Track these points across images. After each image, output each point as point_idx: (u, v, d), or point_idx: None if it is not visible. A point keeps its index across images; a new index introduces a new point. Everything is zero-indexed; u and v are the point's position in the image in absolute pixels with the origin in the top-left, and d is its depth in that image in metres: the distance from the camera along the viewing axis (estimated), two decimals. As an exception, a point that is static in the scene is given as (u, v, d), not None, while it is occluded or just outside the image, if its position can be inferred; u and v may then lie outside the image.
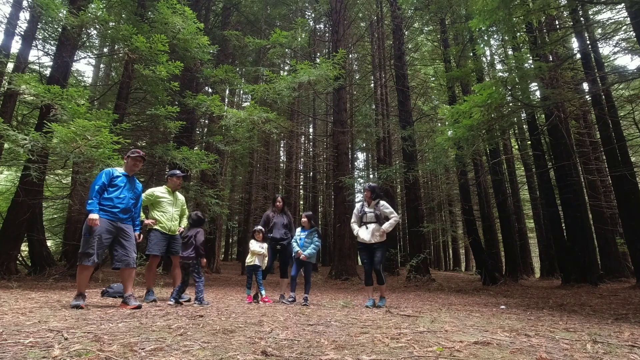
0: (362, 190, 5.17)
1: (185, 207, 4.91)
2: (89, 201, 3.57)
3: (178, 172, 4.79)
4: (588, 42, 9.61)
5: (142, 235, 4.27)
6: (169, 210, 4.58)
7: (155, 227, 4.49)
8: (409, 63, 15.12)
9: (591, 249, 9.47)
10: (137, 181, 4.03)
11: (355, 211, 4.88)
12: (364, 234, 4.67)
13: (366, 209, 4.74)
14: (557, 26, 10.11)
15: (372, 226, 4.64)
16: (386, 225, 4.60)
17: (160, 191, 4.64)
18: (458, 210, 19.45)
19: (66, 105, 5.94)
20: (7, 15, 8.36)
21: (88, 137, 5.62)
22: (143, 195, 4.39)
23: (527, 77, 6.19)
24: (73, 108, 5.90)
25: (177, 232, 4.64)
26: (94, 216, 3.50)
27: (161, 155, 8.11)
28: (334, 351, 1.89)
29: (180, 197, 4.83)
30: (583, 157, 11.23)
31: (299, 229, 5.11)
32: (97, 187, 3.64)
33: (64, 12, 7.32)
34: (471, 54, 11.52)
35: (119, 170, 3.88)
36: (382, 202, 4.75)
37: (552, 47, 9.11)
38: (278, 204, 5.38)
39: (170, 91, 8.61)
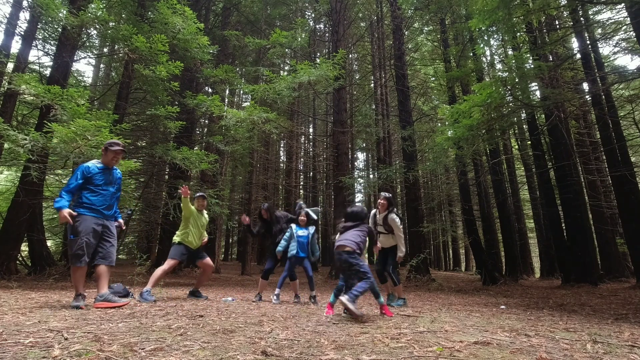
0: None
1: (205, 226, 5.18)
2: (57, 199, 3.47)
3: (199, 193, 5.21)
4: (588, 42, 9.61)
5: (126, 223, 4.36)
6: (198, 230, 5.00)
7: (182, 241, 4.87)
8: (409, 63, 15.12)
9: (591, 249, 9.47)
10: (117, 170, 3.92)
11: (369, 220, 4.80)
12: (379, 242, 4.67)
13: (377, 219, 4.70)
14: (557, 26, 10.11)
15: (382, 236, 4.68)
16: (400, 255, 4.61)
17: (196, 209, 5.03)
18: (458, 210, 19.45)
19: (66, 106, 5.94)
20: (7, 15, 8.37)
21: (88, 137, 5.63)
22: (186, 209, 4.84)
23: (527, 77, 6.19)
24: (73, 108, 5.91)
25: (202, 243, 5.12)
26: (64, 212, 3.37)
27: (161, 155, 8.11)
28: (334, 351, 1.89)
29: (205, 217, 5.17)
30: (583, 157, 11.24)
31: (294, 226, 4.85)
32: (71, 186, 3.55)
33: (64, 12, 7.33)
34: (471, 54, 11.52)
35: (97, 164, 3.74)
36: (392, 217, 4.63)
37: (552, 47, 9.11)
38: (264, 212, 5.33)
39: (170, 91, 8.61)
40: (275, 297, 4.72)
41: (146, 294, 4.38)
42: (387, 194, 4.77)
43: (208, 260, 5.05)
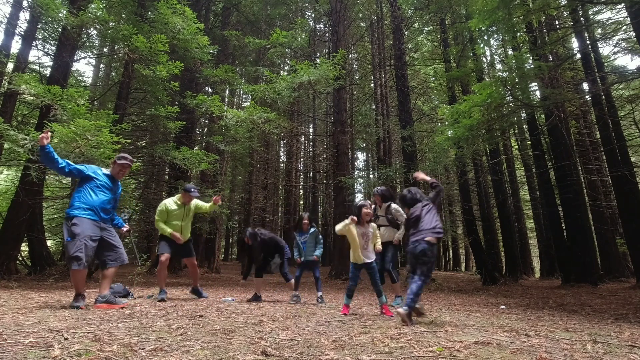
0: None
1: (201, 205, 5.01)
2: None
3: (192, 190, 4.82)
4: (588, 42, 9.61)
5: (130, 230, 4.30)
6: (178, 224, 4.77)
7: (166, 234, 4.71)
8: (409, 63, 15.12)
9: (591, 249, 9.46)
10: (119, 183, 4.01)
11: None
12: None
13: (378, 214, 4.79)
14: (557, 26, 10.11)
15: (383, 229, 4.69)
16: (396, 236, 4.64)
17: (171, 205, 4.77)
18: (458, 210, 19.45)
19: (66, 106, 5.94)
20: (7, 15, 8.38)
21: (88, 137, 5.63)
22: (157, 213, 4.68)
23: (527, 77, 6.19)
24: (73, 108, 5.91)
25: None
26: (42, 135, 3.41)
27: (161, 155, 8.11)
28: (334, 351, 1.89)
29: (190, 207, 4.92)
30: (583, 157, 11.23)
31: (297, 235, 5.06)
32: (79, 165, 3.67)
33: (64, 12, 7.33)
34: (471, 54, 11.52)
35: (105, 171, 3.85)
36: (394, 206, 4.72)
37: (552, 47, 9.11)
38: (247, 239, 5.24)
39: (170, 91, 8.62)
40: (295, 298, 4.78)
41: (162, 293, 4.51)
42: (379, 189, 4.87)
43: (191, 259, 4.95)
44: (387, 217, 4.69)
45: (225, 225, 18.91)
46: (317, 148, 22.93)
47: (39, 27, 8.97)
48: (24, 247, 8.78)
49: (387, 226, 4.70)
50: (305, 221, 5.03)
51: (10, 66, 8.45)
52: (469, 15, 8.81)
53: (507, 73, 6.83)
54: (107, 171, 3.87)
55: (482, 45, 7.63)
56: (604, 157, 10.48)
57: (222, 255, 22.48)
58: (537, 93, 9.10)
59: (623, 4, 6.65)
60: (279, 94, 9.23)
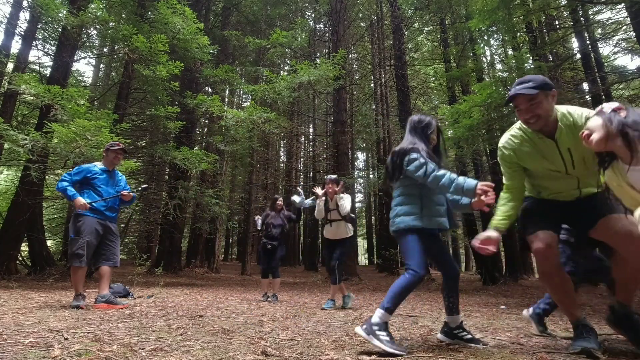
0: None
1: None
2: (64, 186, 3.50)
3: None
4: (588, 42, 9.61)
5: (140, 197, 4.05)
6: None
7: None
8: (409, 63, 15.12)
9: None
10: (119, 173, 3.96)
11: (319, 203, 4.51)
12: (329, 232, 4.43)
13: (330, 206, 4.40)
14: (557, 26, 10.11)
15: (335, 224, 4.37)
16: (351, 228, 4.40)
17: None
18: (458, 210, 19.36)
19: (66, 105, 5.95)
20: (7, 15, 8.37)
21: (88, 137, 5.63)
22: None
23: (527, 77, 6.18)
24: (73, 108, 5.91)
25: None
26: (81, 200, 3.47)
27: (161, 155, 8.11)
28: (334, 351, 1.89)
29: None
30: (583, 157, 11.21)
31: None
32: (68, 177, 3.58)
33: (64, 12, 7.33)
34: (471, 54, 11.50)
35: (99, 166, 3.78)
36: (341, 195, 4.38)
37: (552, 47, 9.11)
38: (278, 203, 5.43)
39: (170, 91, 8.61)
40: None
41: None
42: (332, 176, 4.48)
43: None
44: (338, 211, 4.33)
45: (225, 225, 18.91)
46: (317, 148, 22.91)
47: (39, 27, 8.96)
48: (24, 247, 8.78)
49: (340, 220, 4.33)
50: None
51: (10, 66, 8.44)
52: (469, 15, 8.80)
53: (507, 73, 6.83)
54: (101, 165, 3.81)
55: (482, 45, 7.64)
56: (604, 157, 10.45)
57: (222, 255, 22.48)
58: (537, 93, 9.08)
59: (623, 4, 6.65)
60: (279, 94, 9.23)
